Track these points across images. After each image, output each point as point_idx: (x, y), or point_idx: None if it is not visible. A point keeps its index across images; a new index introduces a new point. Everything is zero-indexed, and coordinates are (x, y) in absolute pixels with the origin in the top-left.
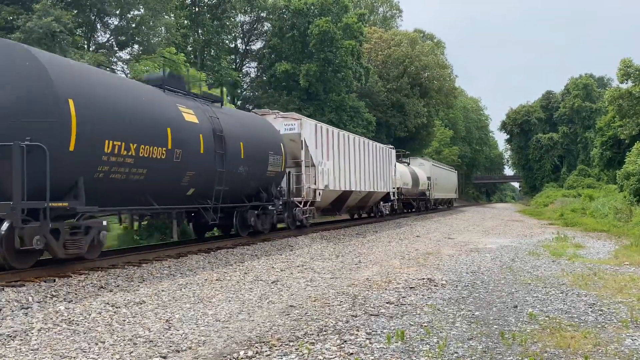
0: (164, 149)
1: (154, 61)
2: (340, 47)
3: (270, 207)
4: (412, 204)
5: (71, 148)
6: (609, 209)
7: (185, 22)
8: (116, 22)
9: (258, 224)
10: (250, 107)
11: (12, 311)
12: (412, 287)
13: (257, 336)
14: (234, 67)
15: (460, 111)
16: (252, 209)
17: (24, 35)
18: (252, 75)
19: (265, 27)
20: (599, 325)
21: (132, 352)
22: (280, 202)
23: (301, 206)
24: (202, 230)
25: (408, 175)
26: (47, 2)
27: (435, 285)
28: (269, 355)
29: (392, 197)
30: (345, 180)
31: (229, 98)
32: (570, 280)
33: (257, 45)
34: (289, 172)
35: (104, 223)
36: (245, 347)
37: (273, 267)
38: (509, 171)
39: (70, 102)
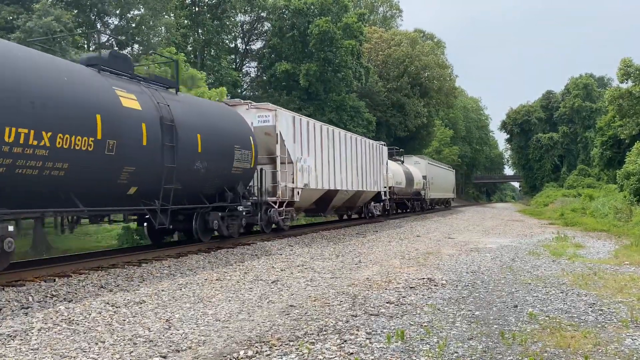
0: (92, 139)
1: (153, 60)
2: (340, 47)
3: (240, 208)
4: (407, 204)
5: None
6: (609, 208)
7: (185, 21)
8: (116, 22)
9: (223, 227)
10: None
11: (12, 311)
12: (412, 287)
13: (257, 336)
14: (234, 67)
15: (460, 111)
16: (216, 210)
17: (24, 34)
18: (252, 75)
19: (265, 27)
20: (599, 325)
21: (132, 351)
22: (249, 203)
23: (276, 207)
24: (161, 235)
25: (401, 174)
26: (47, 1)
27: (435, 285)
28: (269, 355)
29: (383, 197)
30: (330, 179)
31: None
32: (571, 280)
33: (257, 45)
34: (262, 169)
35: (10, 228)
36: (245, 347)
37: (273, 266)
38: (509, 171)
39: None
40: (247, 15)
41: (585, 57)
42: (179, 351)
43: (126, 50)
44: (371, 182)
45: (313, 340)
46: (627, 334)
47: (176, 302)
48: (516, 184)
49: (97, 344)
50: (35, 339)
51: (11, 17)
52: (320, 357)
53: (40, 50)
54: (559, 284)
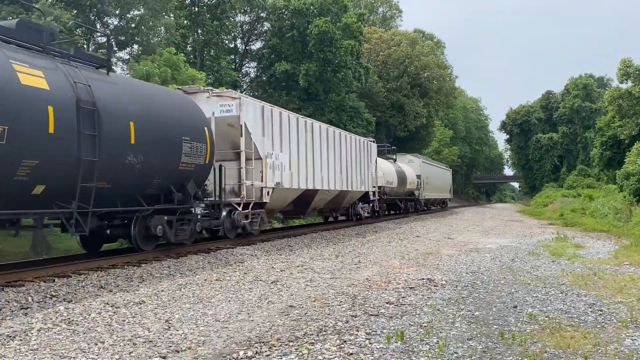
0: None
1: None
2: (340, 47)
3: (197, 211)
4: (399, 205)
5: None
6: (608, 209)
7: (185, 22)
8: (116, 22)
9: (169, 233)
10: None
11: (12, 311)
12: (411, 287)
13: (256, 336)
14: (233, 67)
15: (460, 111)
16: (161, 213)
17: None
18: (252, 75)
19: (265, 27)
20: (599, 325)
21: (131, 352)
22: (203, 204)
23: (240, 209)
24: (96, 243)
25: (393, 173)
26: (46, 1)
27: (435, 286)
28: (268, 355)
29: (371, 198)
30: (308, 177)
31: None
32: (570, 280)
33: (257, 45)
34: (221, 166)
35: None
36: (245, 347)
37: (273, 267)
38: (508, 171)
39: None
40: (246, 16)
41: (585, 57)
42: (178, 351)
43: (126, 51)
44: (357, 181)
45: (313, 341)
46: (627, 334)
47: (176, 302)
48: (516, 185)
49: (96, 344)
50: (35, 340)
51: (11, 17)
52: (320, 357)
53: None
54: (558, 284)
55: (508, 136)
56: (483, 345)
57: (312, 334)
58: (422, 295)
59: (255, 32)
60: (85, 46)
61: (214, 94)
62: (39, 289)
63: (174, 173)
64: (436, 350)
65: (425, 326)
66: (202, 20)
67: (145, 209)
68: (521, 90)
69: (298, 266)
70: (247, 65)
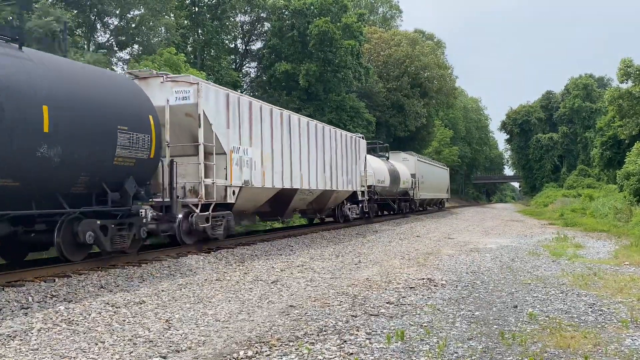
0: None
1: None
2: (340, 47)
3: (144, 214)
4: (392, 206)
5: None
6: (609, 209)
7: (185, 22)
8: (116, 22)
9: (104, 241)
10: None
11: (12, 311)
12: (412, 287)
13: (257, 336)
14: (234, 67)
15: (460, 111)
16: (95, 217)
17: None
18: (252, 75)
19: (265, 27)
20: (599, 325)
21: (131, 352)
22: (148, 206)
23: (198, 211)
24: (19, 251)
25: (385, 172)
26: (46, 2)
27: (435, 285)
28: (268, 355)
29: (360, 198)
30: (285, 176)
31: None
32: (570, 280)
33: (257, 45)
34: (172, 161)
35: None
36: (245, 347)
37: (273, 267)
38: (509, 171)
39: None
40: (246, 16)
41: (585, 57)
42: (178, 351)
43: (126, 51)
44: (344, 180)
45: (313, 341)
46: (627, 334)
47: (176, 302)
48: (516, 184)
49: (96, 344)
50: (35, 339)
51: (11, 17)
52: (320, 357)
53: (40, 50)
54: (558, 284)
55: (508, 136)
56: (483, 345)
57: (313, 334)
58: (423, 295)
59: (256, 32)
60: (85, 46)
61: (168, 79)
62: (40, 288)
63: (107, 169)
64: (436, 350)
65: (425, 326)
66: (202, 20)
67: (68, 212)
68: (521, 90)
69: (298, 266)
70: (247, 65)
